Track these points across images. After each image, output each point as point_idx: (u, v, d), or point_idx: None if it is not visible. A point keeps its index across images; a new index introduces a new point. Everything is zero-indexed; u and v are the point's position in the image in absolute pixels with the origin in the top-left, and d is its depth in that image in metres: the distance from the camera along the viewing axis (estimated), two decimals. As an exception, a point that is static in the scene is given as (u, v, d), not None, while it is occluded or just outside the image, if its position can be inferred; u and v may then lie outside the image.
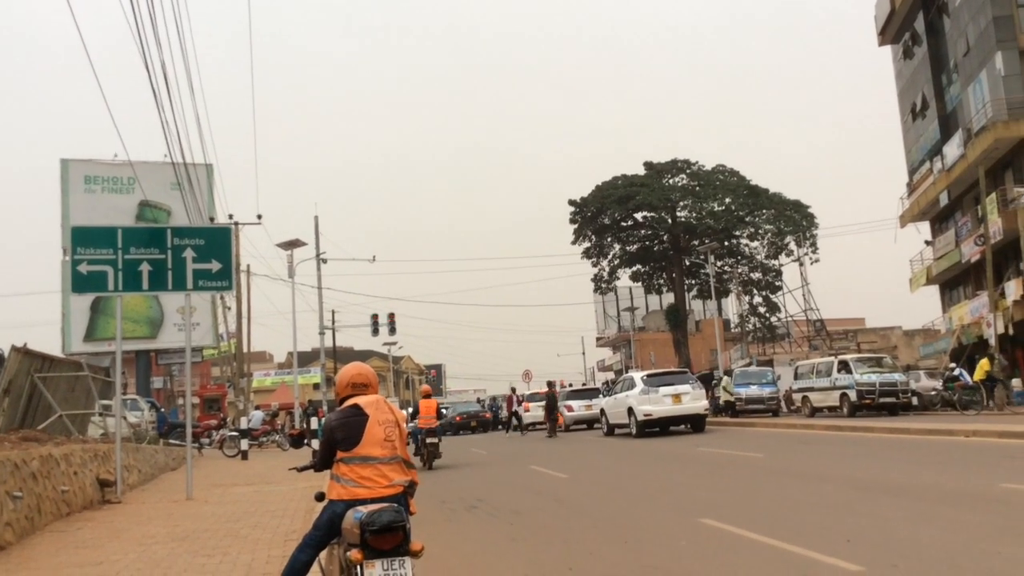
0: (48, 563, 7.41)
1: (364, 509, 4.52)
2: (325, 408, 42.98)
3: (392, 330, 46.76)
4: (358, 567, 4.41)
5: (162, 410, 32.43)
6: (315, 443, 6.13)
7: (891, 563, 6.05)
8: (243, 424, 25.62)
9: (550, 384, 35.84)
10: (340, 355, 60.82)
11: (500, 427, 39.31)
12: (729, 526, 8.15)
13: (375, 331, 46.11)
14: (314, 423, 23.99)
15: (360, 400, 5.02)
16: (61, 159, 39.34)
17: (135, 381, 40.58)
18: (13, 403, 14.15)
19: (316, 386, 63.79)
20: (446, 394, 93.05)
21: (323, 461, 5.17)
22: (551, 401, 29.35)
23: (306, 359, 64.01)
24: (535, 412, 34.60)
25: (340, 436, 4.93)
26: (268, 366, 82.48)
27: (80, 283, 12.49)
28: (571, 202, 52.42)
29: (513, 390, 38.13)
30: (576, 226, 52.40)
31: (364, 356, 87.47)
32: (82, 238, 12.54)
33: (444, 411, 30.68)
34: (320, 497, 5.57)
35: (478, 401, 55.12)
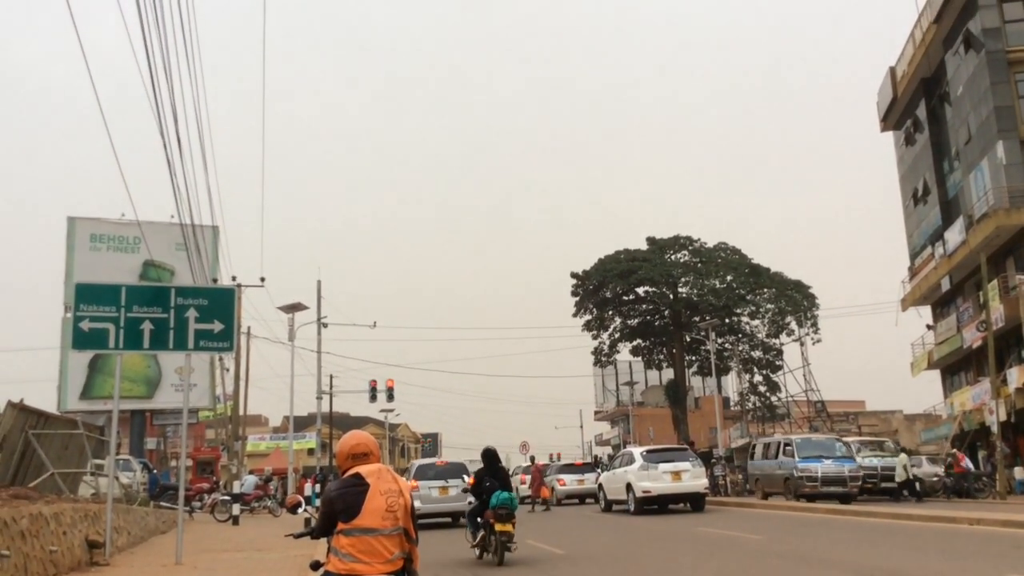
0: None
1: None
2: (317, 474, 42.49)
3: (390, 397, 46.59)
4: None
5: (154, 471, 32.07)
6: (311, 509, 6.02)
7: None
8: (236, 488, 25.35)
9: (532, 459, 36.04)
10: (337, 420, 60.37)
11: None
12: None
13: (373, 397, 45.90)
14: (307, 489, 23.75)
15: (362, 469, 4.95)
16: (68, 217, 39.63)
17: (129, 441, 40.16)
18: (6, 459, 14.00)
19: (311, 451, 63.25)
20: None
21: (321, 530, 5.07)
22: (537, 475, 29.75)
23: (302, 423, 63.52)
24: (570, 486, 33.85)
25: (340, 507, 4.85)
26: (263, 430, 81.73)
27: (81, 340, 12.47)
28: (573, 275, 52.66)
29: (532, 459, 37.24)
30: (578, 299, 52.54)
31: (361, 422, 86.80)
32: (86, 295, 12.56)
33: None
34: (315, 566, 5.46)
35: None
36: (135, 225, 35.51)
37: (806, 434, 32.36)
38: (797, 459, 24.13)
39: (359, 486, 4.85)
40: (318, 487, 32.73)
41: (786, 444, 25.61)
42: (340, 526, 4.82)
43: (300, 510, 5.82)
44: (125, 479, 23.28)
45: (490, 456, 13.31)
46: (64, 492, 15.35)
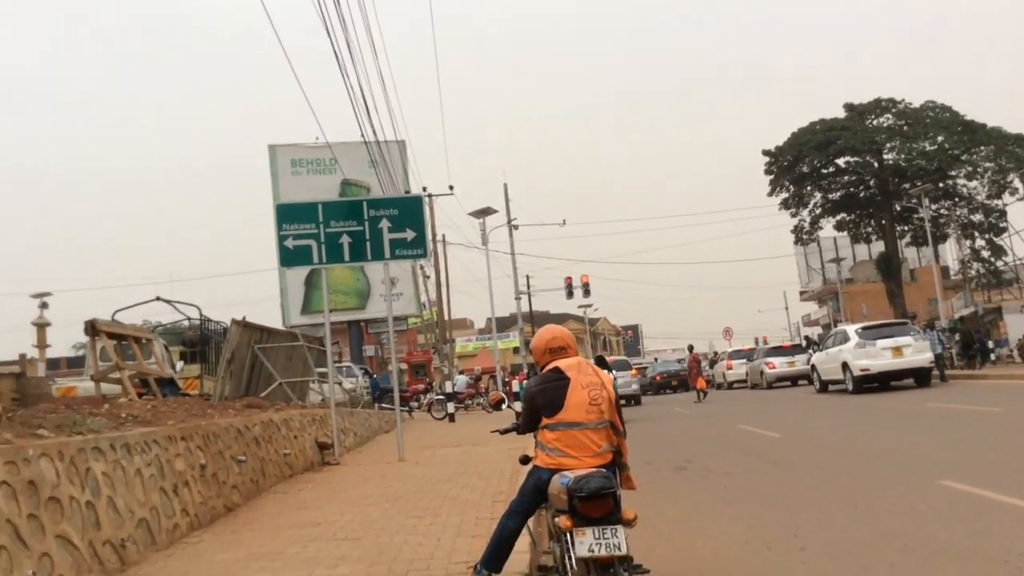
0: (271, 524, 7.70)
1: (571, 474, 4.26)
2: (525, 371, 43.62)
3: (586, 292, 46.63)
4: (567, 535, 4.16)
5: (374, 376, 33.92)
6: (516, 405, 5.95)
7: None
8: (448, 388, 26.33)
9: (690, 348, 35.27)
10: (537, 318, 61.52)
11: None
12: (972, 487, 7.34)
13: (569, 294, 46.15)
14: (515, 386, 24.32)
15: (561, 363, 4.75)
16: (269, 145, 41.61)
17: (349, 350, 42.68)
18: (237, 372, 15.06)
19: (516, 350, 65.09)
20: (644, 354, 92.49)
21: (526, 425, 4.95)
22: (695, 366, 29.73)
23: (504, 324, 65.27)
24: (738, 370, 34.41)
25: (541, 402, 4.68)
26: (469, 332, 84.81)
27: (287, 257, 13.00)
28: (765, 152, 50.04)
29: (691, 348, 36.71)
30: (772, 176, 50.02)
31: (561, 319, 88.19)
32: (286, 215, 13.03)
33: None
34: (525, 460, 5.38)
35: (678, 361, 54.09)
36: (329, 148, 37.08)
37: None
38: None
39: (559, 380, 4.66)
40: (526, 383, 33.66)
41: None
42: (544, 421, 4.66)
43: (504, 406, 5.74)
44: (348, 384, 24.76)
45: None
46: (293, 400, 16.43)
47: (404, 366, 52.11)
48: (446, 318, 40.96)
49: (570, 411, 4.55)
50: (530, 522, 5.07)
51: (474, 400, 29.76)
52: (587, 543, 4.03)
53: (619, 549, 4.03)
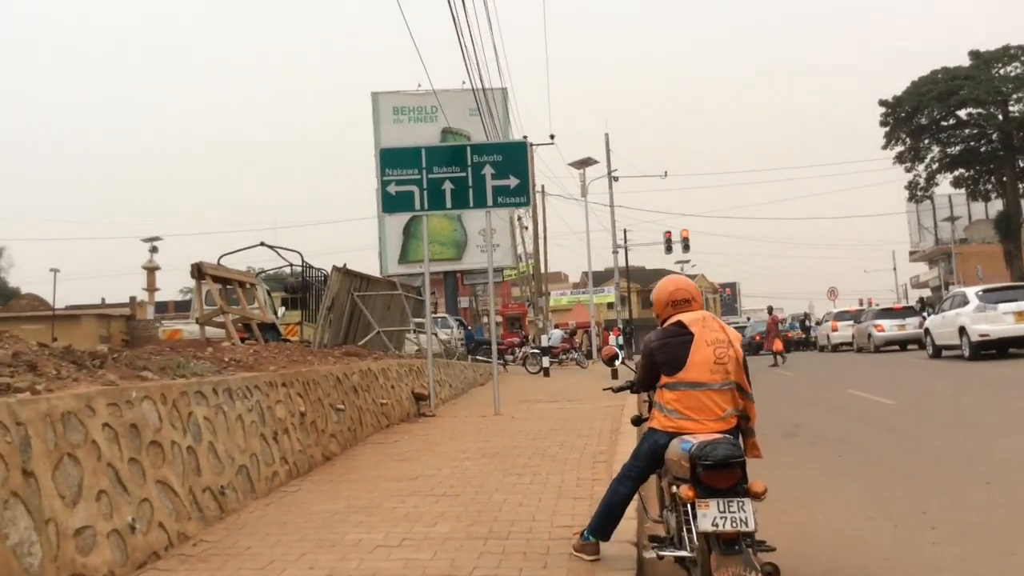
0: (369, 475, 7.60)
1: (693, 439, 3.89)
2: (620, 326, 43.12)
3: (686, 247, 45.60)
4: (688, 506, 3.82)
5: (469, 328, 34.00)
6: (630, 361, 5.61)
7: None
8: (544, 342, 26.13)
9: (770, 310, 33.82)
10: (632, 274, 60.74)
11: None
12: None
13: (668, 249, 45.21)
14: (612, 341, 23.94)
15: (684, 317, 4.35)
16: (372, 92, 41.73)
17: (443, 300, 42.98)
18: (336, 320, 15.13)
19: (610, 305, 64.58)
20: (741, 313, 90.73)
21: (643, 383, 4.59)
22: (774, 328, 28.65)
23: (600, 278, 64.62)
24: (843, 332, 33.27)
25: (661, 359, 4.31)
26: (563, 286, 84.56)
27: (389, 203, 12.86)
28: (882, 102, 47.66)
29: (770, 309, 35.25)
30: (888, 128, 47.69)
31: (657, 275, 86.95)
32: (390, 159, 12.87)
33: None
34: (637, 421, 5.04)
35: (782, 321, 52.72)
36: (431, 95, 37.02)
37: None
38: None
39: (682, 336, 4.27)
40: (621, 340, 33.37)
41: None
42: (663, 379, 4.30)
43: (617, 362, 5.39)
44: (443, 335, 24.81)
45: None
46: (390, 349, 16.46)
47: (499, 319, 52.28)
48: (542, 271, 40.69)
49: (693, 370, 4.18)
50: (642, 490, 4.75)
51: (568, 355, 29.50)
52: (711, 516, 3.67)
53: (746, 525, 3.67)
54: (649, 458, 4.40)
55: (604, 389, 5.55)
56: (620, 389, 5.14)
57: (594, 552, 4.61)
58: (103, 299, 59.38)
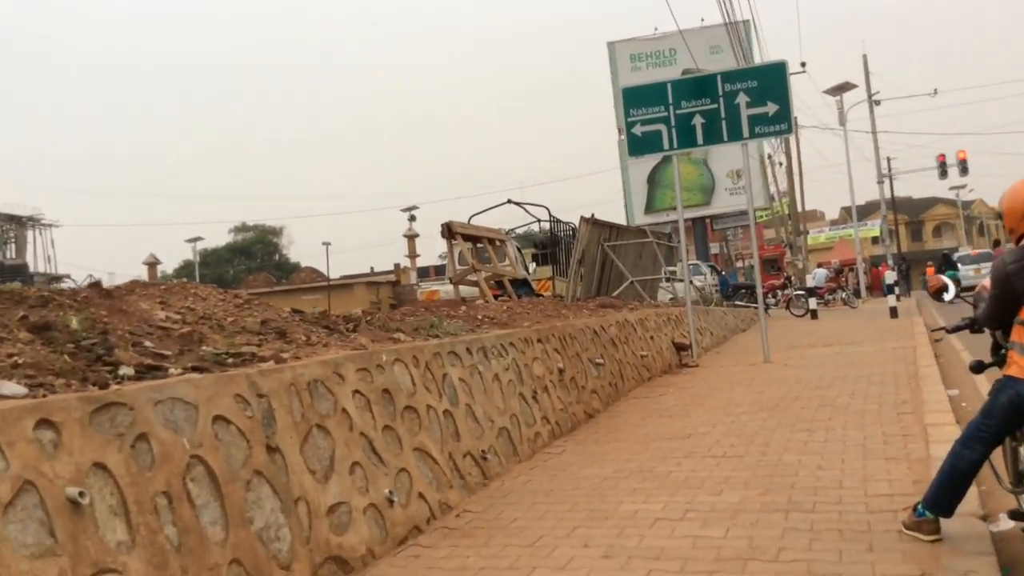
0: (636, 434, 6.97)
1: None
2: (890, 262, 39.67)
3: (963, 170, 40.96)
4: None
5: (723, 273, 32.59)
6: (954, 295, 4.47)
7: None
8: (809, 282, 24.37)
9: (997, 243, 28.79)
10: (898, 205, 55.80)
11: None
12: None
13: (943, 173, 40.83)
14: (890, 277, 21.84)
15: None
16: (608, 42, 40.79)
17: (693, 247, 41.58)
18: (588, 272, 14.63)
19: (875, 240, 59.86)
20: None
21: (993, 319, 3.57)
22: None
23: (860, 213, 60.06)
24: None
25: (1022, 286, 3.29)
26: (820, 224, 79.95)
27: (636, 145, 12.10)
28: None
29: (997, 243, 30.00)
30: None
31: (926, 205, 79.88)
32: (634, 98, 12.08)
33: None
34: (979, 368, 3.99)
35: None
36: (668, 38, 35.73)
37: None
38: None
39: None
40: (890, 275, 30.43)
41: None
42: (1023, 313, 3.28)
43: (947, 296, 4.33)
44: (698, 282, 23.72)
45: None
46: (644, 299, 15.76)
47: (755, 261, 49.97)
48: (799, 209, 38.19)
49: None
50: (994, 456, 3.74)
51: (835, 295, 27.33)
52: None
53: None
54: (1006, 414, 3.41)
55: (934, 331, 4.49)
56: (957, 329, 4.09)
57: (933, 531, 3.68)
58: (371, 268, 63.16)
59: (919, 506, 3.75)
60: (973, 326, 3.95)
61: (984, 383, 8.68)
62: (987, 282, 4.10)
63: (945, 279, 4.33)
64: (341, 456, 4.03)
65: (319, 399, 4.06)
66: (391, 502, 4.24)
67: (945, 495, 3.64)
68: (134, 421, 2.98)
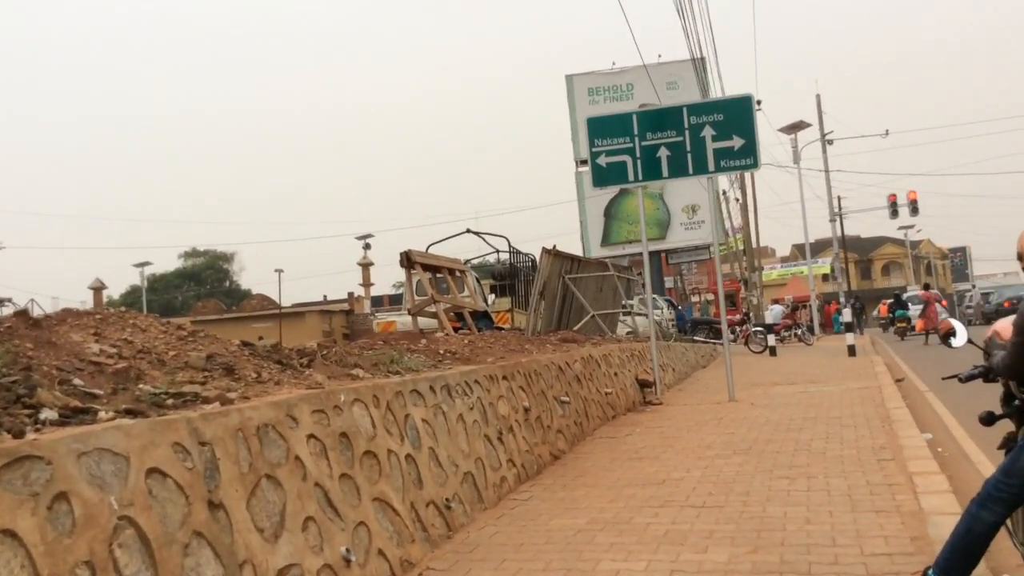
0: (606, 479, 6.59)
1: None
2: (840, 299, 40.00)
3: (913, 210, 41.58)
4: None
5: (679, 308, 32.51)
6: (961, 340, 4.16)
7: None
8: (768, 318, 24.33)
9: (927, 287, 29.37)
10: (847, 244, 56.51)
11: None
12: None
13: (894, 213, 41.43)
14: (847, 315, 21.84)
15: None
16: (566, 75, 40.80)
17: (650, 281, 41.60)
18: (549, 305, 14.31)
19: (825, 277, 60.56)
20: (973, 280, 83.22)
21: (1014, 368, 3.29)
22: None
23: (811, 250, 60.80)
24: None
25: None
26: (771, 260, 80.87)
27: (601, 176, 11.85)
28: None
29: (927, 286, 30.57)
30: None
31: (874, 244, 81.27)
32: (598, 129, 11.86)
33: None
34: (990, 420, 3.70)
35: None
36: (626, 72, 35.96)
37: None
38: None
39: None
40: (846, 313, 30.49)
41: None
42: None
43: (955, 341, 4.03)
44: (655, 316, 23.55)
45: None
46: (606, 333, 15.46)
47: (711, 296, 50.20)
48: (754, 245, 38.44)
49: None
50: (1010, 521, 3.45)
51: (791, 332, 27.36)
52: None
53: None
54: (1030, 475, 3.10)
55: (945, 378, 4.20)
56: (970, 378, 3.79)
57: (947, 599, 3.36)
58: (324, 296, 62.26)
59: (930, 571, 3.43)
60: (988, 375, 3.67)
61: (957, 428, 8.52)
62: (1000, 327, 3.83)
63: (954, 323, 4.05)
64: (293, 511, 3.60)
65: (269, 446, 3.63)
66: (348, 561, 3.81)
67: (959, 560, 3.33)
68: (52, 477, 2.55)
